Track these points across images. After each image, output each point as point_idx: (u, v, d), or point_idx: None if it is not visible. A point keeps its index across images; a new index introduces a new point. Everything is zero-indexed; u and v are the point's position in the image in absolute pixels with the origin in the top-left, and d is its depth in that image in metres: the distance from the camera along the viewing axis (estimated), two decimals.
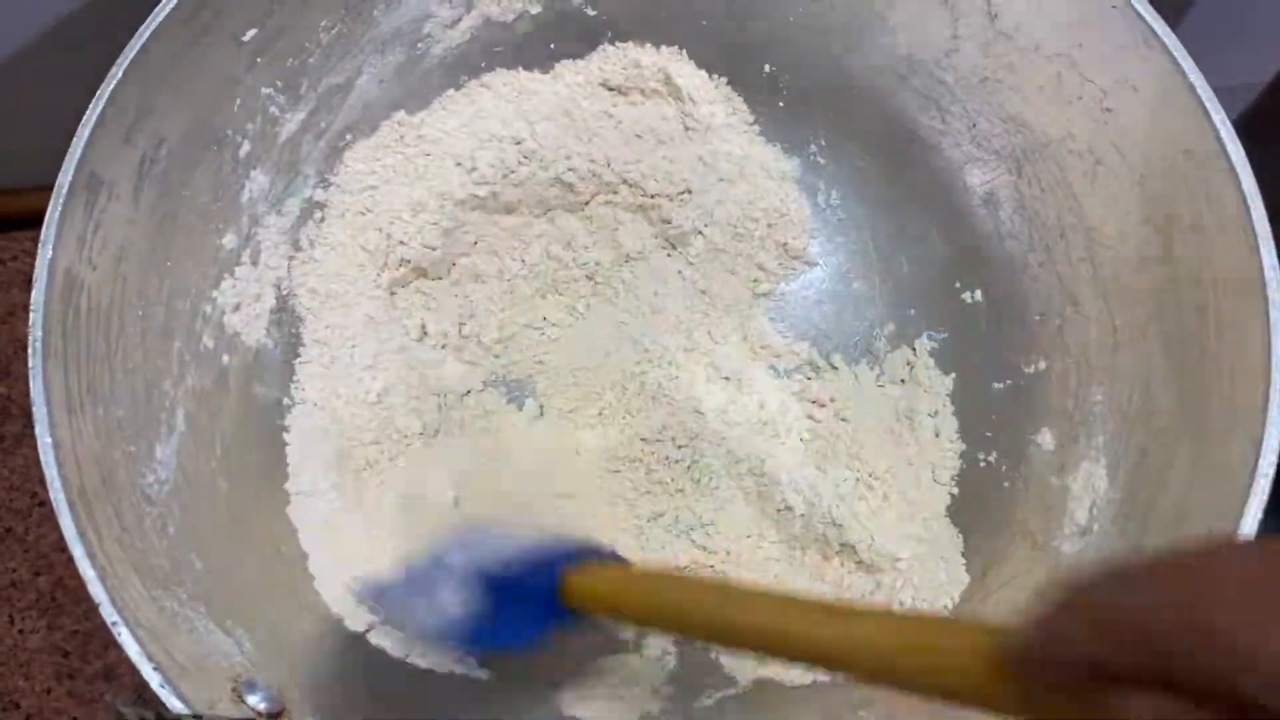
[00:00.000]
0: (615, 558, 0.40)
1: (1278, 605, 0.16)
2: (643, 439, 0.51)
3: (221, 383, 0.45)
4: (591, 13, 0.52)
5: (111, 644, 0.32)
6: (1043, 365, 0.48)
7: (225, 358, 0.45)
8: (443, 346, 0.51)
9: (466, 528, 0.40)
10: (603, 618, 0.39)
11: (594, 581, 0.37)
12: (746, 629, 0.31)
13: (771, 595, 0.32)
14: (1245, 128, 0.40)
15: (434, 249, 0.50)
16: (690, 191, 0.52)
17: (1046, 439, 0.47)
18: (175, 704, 0.31)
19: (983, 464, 0.49)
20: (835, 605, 0.30)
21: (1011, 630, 0.22)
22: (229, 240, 0.46)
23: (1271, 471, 0.36)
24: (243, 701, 0.34)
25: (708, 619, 0.33)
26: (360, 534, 0.46)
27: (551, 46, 0.52)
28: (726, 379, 0.52)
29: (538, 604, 0.37)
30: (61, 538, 0.33)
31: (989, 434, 0.49)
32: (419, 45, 0.50)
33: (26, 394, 0.35)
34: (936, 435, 0.50)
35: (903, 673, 0.26)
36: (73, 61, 0.41)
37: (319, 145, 0.49)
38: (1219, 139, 0.39)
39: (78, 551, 0.33)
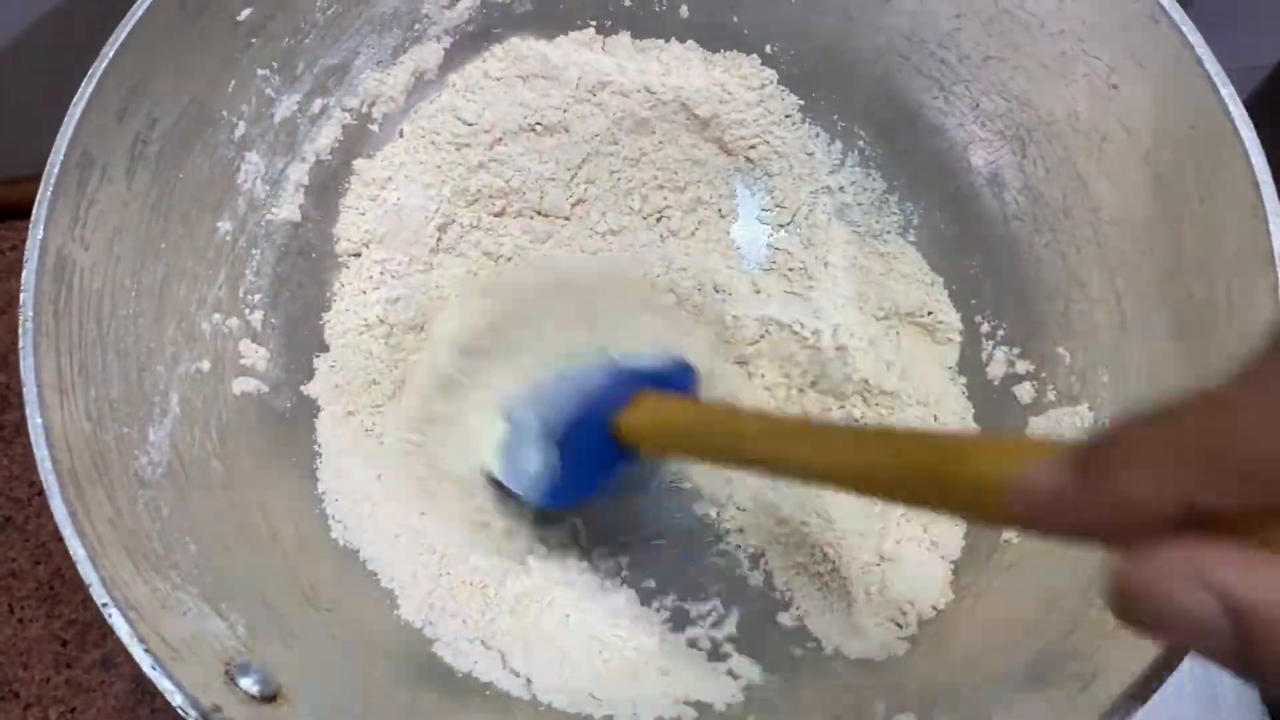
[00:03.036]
0: (676, 379, 0.41)
1: None
2: None
3: (217, 367, 0.44)
4: None
5: (109, 633, 0.32)
6: (1048, 348, 0.47)
7: (220, 342, 0.45)
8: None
9: (534, 385, 0.43)
10: (655, 454, 0.42)
11: (641, 420, 0.39)
12: (794, 459, 0.32)
13: (821, 426, 0.35)
14: (1254, 109, 0.39)
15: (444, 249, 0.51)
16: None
17: (1052, 422, 0.46)
18: (165, 685, 0.31)
19: None
20: (877, 432, 0.32)
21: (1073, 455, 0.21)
22: (224, 223, 0.45)
23: None
24: (235, 684, 0.33)
25: (753, 448, 0.35)
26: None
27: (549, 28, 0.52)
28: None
29: (599, 452, 0.39)
30: None
31: (994, 417, 0.49)
32: (416, 26, 0.49)
33: None
34: (935, 420, 0.49)
35: (934, 497, 0.27)
36: (71, 50, 0.41)
37: (314, 127, 0.48)
38: (1228, 114, 0.39)
39: (68, 532, 0.33)
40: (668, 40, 0.52)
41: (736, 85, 0.52)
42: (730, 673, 0.45)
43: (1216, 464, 0.18)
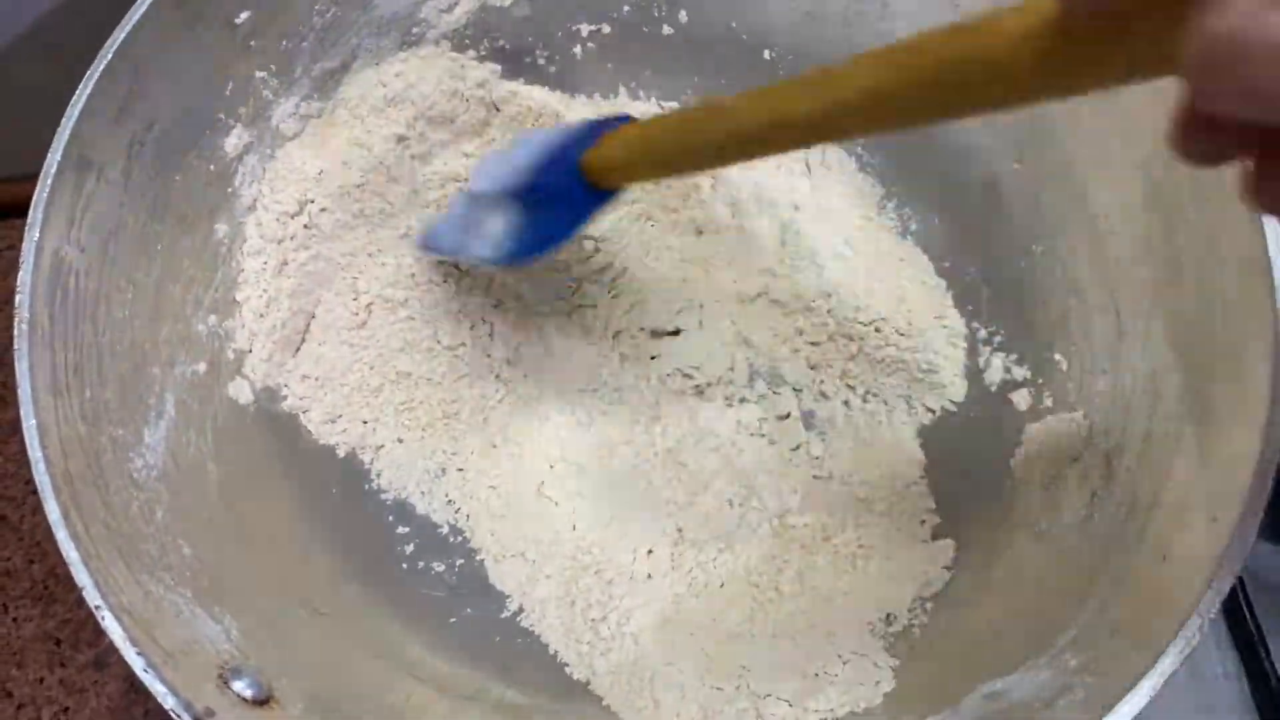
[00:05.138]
0: (623, 120, 0.39)
1: None
2: None
3: (214, 369, 0.44)
4: None
5: (103, 632, 0.32)
6: (1045, 354, 0.47)
7: (217, 344, 0.45)
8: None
9: (481, 160, 0.43)
10: (633, 183, 0.40)
11: (609, 153, 0.37)
12: (788, 120, 0.29)
13: (796, 81, 0.28)
14: None
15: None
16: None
17: (1049, 429, 0.46)
18: (158, 688, 0.31)
19: None
20: (861, 59, 0.26)
21: None
22: (221, 225, 0.45)
23: (1278, 458, 0.35)
24: (228, 687, 0.33)
25: (738, 129, 0.31)
26: None
27: (547, 34, 0.52)
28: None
29: (569, 195, 0.39)
30: None
31: (991, 424, 0.49)
32: (414, 30, 0.49)
33: None
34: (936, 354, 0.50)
35: (955, 80, 0.23)
36: (69, 49, 0.41)
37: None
38: None
39: (61, 535, 0.32)
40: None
41: None
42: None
43: None
